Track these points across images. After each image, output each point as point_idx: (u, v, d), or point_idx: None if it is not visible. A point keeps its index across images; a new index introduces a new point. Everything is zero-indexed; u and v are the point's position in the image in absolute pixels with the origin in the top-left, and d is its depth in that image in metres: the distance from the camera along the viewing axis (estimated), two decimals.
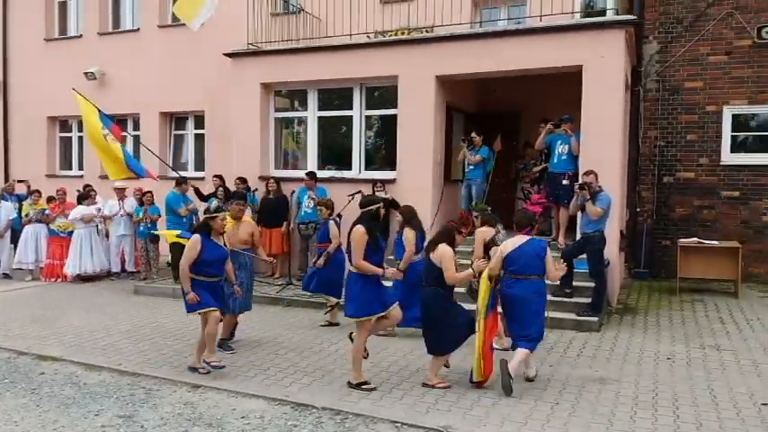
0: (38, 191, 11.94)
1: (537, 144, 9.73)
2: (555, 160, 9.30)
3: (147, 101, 13.99)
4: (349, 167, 10.85)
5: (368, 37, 10.52)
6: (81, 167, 15.35)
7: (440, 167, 10.22)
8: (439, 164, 10.13)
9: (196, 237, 6.02)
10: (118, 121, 14.61)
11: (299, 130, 11.67)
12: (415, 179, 9.90)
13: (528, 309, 5.67)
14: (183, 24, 13.65)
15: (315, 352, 6.85)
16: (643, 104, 11.09)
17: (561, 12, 9.04)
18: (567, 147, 9.10)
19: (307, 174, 10.41)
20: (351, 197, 9.84)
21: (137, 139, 13.87)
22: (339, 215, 9.82)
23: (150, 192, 11.23)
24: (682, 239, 10.03)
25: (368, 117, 10.88)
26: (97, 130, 9.91)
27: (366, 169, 10.78)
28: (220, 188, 10.60)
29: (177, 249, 10.48)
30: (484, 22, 11.31)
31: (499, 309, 5.85)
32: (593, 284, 7.90)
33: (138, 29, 14.46)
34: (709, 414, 5.05)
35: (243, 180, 10.71)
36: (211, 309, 5.94)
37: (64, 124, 15.85)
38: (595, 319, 7.68)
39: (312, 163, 11.08)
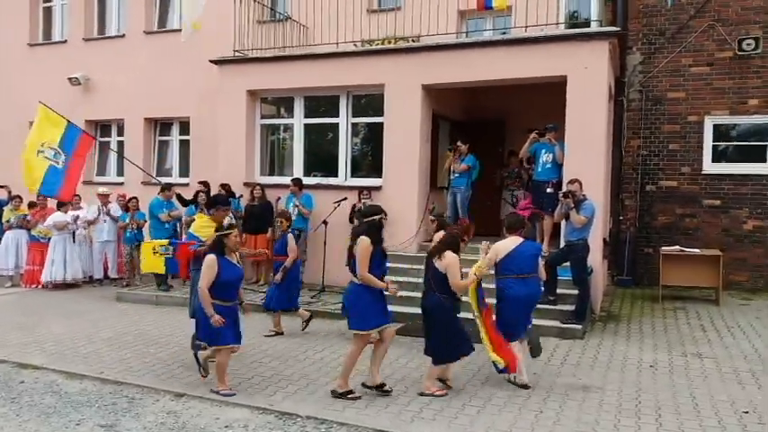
0: (19, 196, 11.81)
1: (521, 153, 9.80)
2: (539, 169, 9.36)
3: (131, 107, 13.92)
4: (335, 174, 10.85)
5: (355, 45, 10.56)
6: None
7: (426, 172, 10.23)
8: (424, 170, 10.14)
9: (212, 257, 5.61)
10: (102, 126, 14.63)
11: (286, 137, 11.66)
12: (401, 187, 9.93)
13: (533, 305, 6.09)
14: (170, 31, 13.75)
15: (299, 360, 6.82)
16: (626, 114, 11.21)
17: (546, 23, 9.14)
18: (551, 155, 9.16)
19: (292, 180, 10.41)
20: (337, 204, 9.88)
21: (120, 153, 13.82)
22: (325, 222, 9.85)
23: (135, 198, 11.18)
24: (664, 247, 10.14)
25: (354, 124, 10.90)
26: (35, 146, 9.35)
27: (352, 176, 10.79)
28: (201, 193, 10.56)
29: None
30: (470, 31, 11.42)
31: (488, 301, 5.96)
32: (576, 292, 7.95)
33: (124, 35, 14.39)
34: (691, 422, 5.10)
35: (225, 187, 10.67)
36: (229, 346, 5.69)
37: None
38: (579, 326, 7.73)
39: (298, 170, 11.08)
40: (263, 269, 10.63)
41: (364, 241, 5.48)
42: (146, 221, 10.83)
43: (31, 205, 11.66)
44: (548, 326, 7.77)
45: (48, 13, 15.74)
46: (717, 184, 10.79)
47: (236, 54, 11.18)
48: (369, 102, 10.76)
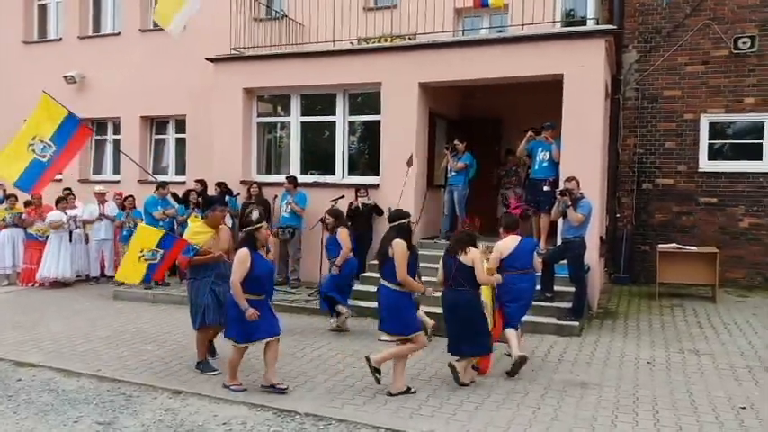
0: (14, 195, 11.76)
1: (518, 151, 9.81)
2: (536, 167, 9.38)
3: (127, 105, 13.88)
4: (332, 173, 10.85)
5: (351, 44, 10.56)
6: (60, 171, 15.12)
7: (422, 170, 10.24)
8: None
9: (245, 251, 5.54)
10: (98, 125, 14.57)
11: (282, 135, 11.65)
12: (398, 184, 9.92)
13: (532, 296, 6.58)
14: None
15: (296, 357, 6.82)
16: (622, 112, 11.25)
17: (542, 21, 9.16)
18: (548, 154, 9.18)
19: (287, 178, 10.40)
20: (334, 202, 9.87)
21: (116, 146, 13.79)
22: (322, 220, 9.82)
23: (132, 196, 11.16)
24: (661, 245, 10.17)
25: (351, 123, 10.90)
26: (26, 138, 9.19)
27: (349, 174, 10.79)
28: (192, 192, 10.53)
29: None
30: (466, 30, 11.43)
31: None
32: (573, 289, 7.97)
33: (120, 33, 14.35)
34: (688, 418, 5.12)
35: (222, 185, 10.67)
36: (264, 339, 5.64)
37: None
38: (576, 323, 7.75)
39: (295, 168, 11.07)
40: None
41: (401, 245, 5.49)
42: (141, 219, 10.80)
43: (27, 204, 11.62)
44: (545, 323, 7.81)
45: (42, 10, 15.68)
46: (713, 181, 10.83)
47: (233, 52, 11.16)
48: (365, 100, 10.76)
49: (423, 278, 6.61)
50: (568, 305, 7.97)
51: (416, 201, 10.01)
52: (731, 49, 10.57)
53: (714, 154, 10.94)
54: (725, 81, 10.71)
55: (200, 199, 10.23)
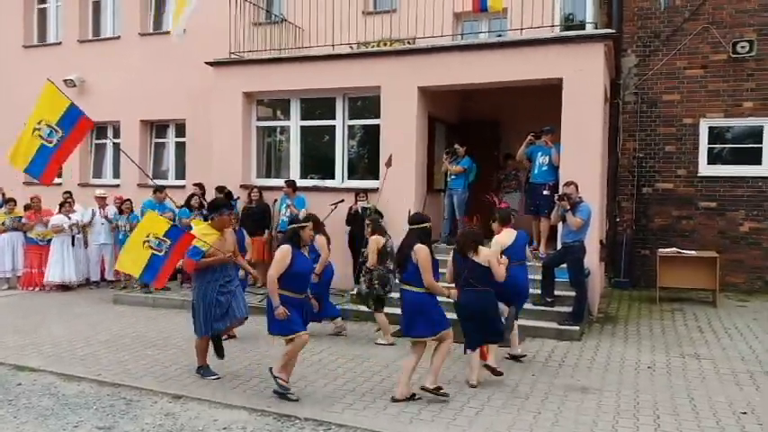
0: (13, 199, 11.77)
1: (518, 155, 9.82)
2: (536, 171, 9.39)
3: (127, 108, 13.88)
4: (332, 176, 10.85)
5: (350, 47, 10.57)
6: (60, 175, 15.11)
7: (422, 174, 10.24)
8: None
9: (286, 247, 5.56)
10: (98, 128, 14.54)
11: (282, 139, 11.66)
12: (398, 188, 9.94)
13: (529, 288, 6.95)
14: (165, 33, 13.71)
15: (297, 362, 6.78)
16: (622, 117, 11.26)
17: (541, 25, 9.17)
18: (547, 158, 9.20)
19: (286, 182, 10.41)
20: (334, 206, 9.87)
21: (116, 146, 13.79)
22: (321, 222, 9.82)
23: (129, 200, 11.17)
24: (661, 249, 10.17)
25: (350, 126, 10.90)
26: (32, 123, 9.40)
27: (349, 178, 10.80)
28: (195, 197, 10.52)
29: None
30: (465, 34, 11.43)
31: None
32: (573, 294, 7.97)
33: (119, 36, 14.35)
34: (689, 423, 5.11)
35: (222, 189, 10.66)
36: (301, 333, 5.57)
37: None
38: (576, 328, 7.74)
39: (295, 172, 11.07)
40: (260, 271, 10.60)
41: (425, 250, 5.50)
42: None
43: (27, 207, 11.63)
44: (545, 327, 7.80)
45: (42, 14, 15.69)
46: (712, 186, 10.84)
47: (232, 56, 11.17)
48: (365, 104, 10.77)
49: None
50: (569, 309, 7.97)
51: (416, 205, 10.01)
52: (730, 54, 10.59)
53: (714, 158, 10.95)
54: (724, 85, 10.72)
55: (202, 202, 10.22)
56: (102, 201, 11.43)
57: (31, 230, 11.32)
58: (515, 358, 6.74)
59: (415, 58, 9.88)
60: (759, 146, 10.66)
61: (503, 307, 6.34)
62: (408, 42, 10.28)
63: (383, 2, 12.12)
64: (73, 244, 11.16)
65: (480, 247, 5.87)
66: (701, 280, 9.78)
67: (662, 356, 6.98)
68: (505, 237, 6.59)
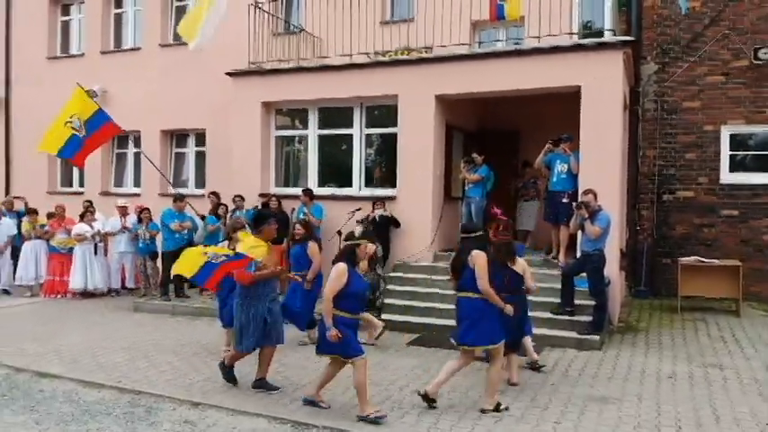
0: (35, 210, 11.94)
1: (536, 163, 9.77)
2: (554, 179, 9.33)
3: (148, 119, 14.04)
4: (349, 185, 10.89)
5: (368, 57, 10.62)
6: (82, 184, 15.38)
7: (439, 182, 10.26)
8: (438, 177, 10.17)
9: (343, 266, 5.31)
10: (119, 138, 14.76)
11: (300, 148, 11.73)
12: (415, 197, 9.94)
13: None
14: (185, 44, 13.86)
15: (314, 370, 6.76)
16: (642, 124, 11.17)
17: (559, 33, 9.13)
18: (566, 166, 9.14)
19: (303, 191, 10.47)
20: (351, 214, 9.91)
21: (142, 156, 13.95)
22: (339, 232, 9.88)
23: (148, 209, 11.27)
24: (682, 258, 10.04)
25: (368, 135, 10.94)
26: (65, 118, 10.11)
27: (366, 187, 10.83)
28: (221, 206, 10.63)
29: (169, 261, 10.56)
30: (482, 42, 11.43)
31: None
32: (593, 303, 7.89)
33: (140, 48, 14.56)
34: None
35: (241, 197, 10.79)
36: (361, 356, 5.30)
37: None
38: (597, 337, 7.66)
39: (313, 181, 11.13)
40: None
41: (483, 256, 5.51)
42: (158, 232, 10.91)
43: (50, 216, 11.81)
44: (565, 337, 7.74)
45: (65, 26, 16.00)
46: (735, 193, 10.70)
47: (251, 66, 11.28)
48: (382, 113, 10.80)
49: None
50: (589, 319, 7.89)
51: (434, 213, 10.01)
52: (751, 60, 10.47)
53: (735, 166, 10.80)
54: (745, 92, 10.60)
55: (234, 212, 10.33)
56: (123, 210, 11.57)
57: (54, 239, 11.48)
58: (534, 367, 6.69)
59: (432, 67, 9.90)
60: None
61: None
62: (425, 51, 10.31)
63: (400, 11, 12.18)
64: (96, 252, 11.32)
65: (517, 257, 6.18)
66: (724, 289, 9.64)
67: (684, 367, 6.88)
68: None
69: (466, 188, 10.27)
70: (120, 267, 11.71)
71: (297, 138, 11.75)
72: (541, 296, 7.94)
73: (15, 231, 11.85)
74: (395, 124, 10.26)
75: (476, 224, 6.11)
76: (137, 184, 14.68)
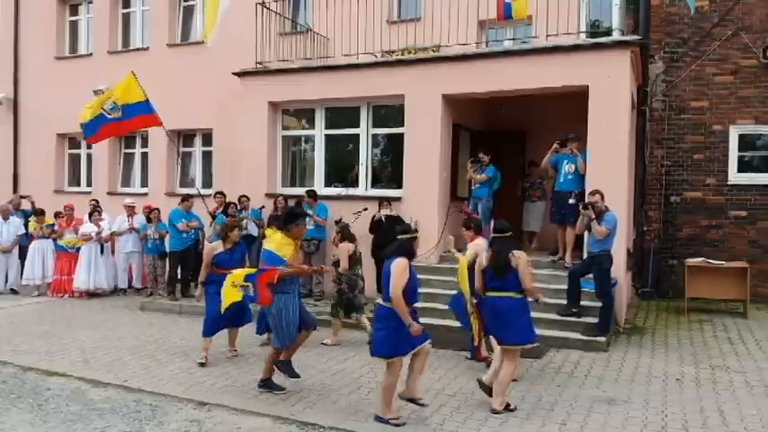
0: (42, 210, 11.99)
1: (543, 163, 9.74)
2: (561, 179, 9.30)
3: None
4: (356, 185, 10.89)
5: (375, 56, 10.61)
6: (89, 184, 15.46)
7: (446, 182, 10.26)
8: (445, 178, 10.18)
9: (405, 261, 5.15)
10: (126, 138, 14.83)
11: (307, 148, 11.74)
12: (422, 197, 9.93)
13: None
14: (192, 43, 13.96)
15: (320, 371, 6.81)
16: (649, 124, 11.12)
17: (567, 32, 9.09)
18: (573, 166, 9.11)
19: (306, 192, 10.48)
20: (357, 214, 9.90)
21: (144, 158, 13.99)
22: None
23: (158, 209, 11.32)
24: (689, 259, 9.99)
25: (374, 135, 10.94)
26: (104, 100, 10.56)
27: (373, 187, 10.82)
28: (232, 205, 10.65)
29: (176, 261, 10.59)
30: (490, 41, 11.40)
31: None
32: (600, 304, 7.86)
33: (148, 47, 14.62)
34: None
35: (246, 198, 10.82)
36: (423, 345, 5.22)
37: (73, 141, 15.98)
38: (603, 338, 7.64)
39: (319, 181, 11.14)
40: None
41: (525, 256, 5.58)
42: (167, 232, 10.95)
43: (57, 215, 11.87)
44: (571, 338, 7.71)
45: (74, 26, 16.09)
46: (743, 194, 10.64)
47: (258, 66, 11.30)
48: (389, 112, 10.79)
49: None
50: (595, 320, 7.86)
51: (440, 213, 10.00)
52: (760, 59, 10.41)
53: (744, 166, 10.74)
54: (754, 91, 10.54)
55: (239, 212, 10.36)
56: (131, 210, 11.62)
57: (61, 237, 11.53)
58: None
59: (439, 67, 9.89)
60: None
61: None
62: (432, 50, 10.29)
63: (407, 11, 12.17)
64: (102, 252, 11.36)
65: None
66: (731, 290, 9.58)
67: (690, 368, 6.85)
68: (482, 244, 6.54)
69: (472, 188, 10.25)
70: (128, 267, 11.75)
71: (303, 138, 11.77)
72: (547, 297, 7.89)
73: (23, 231, 11.91)
74: (402, 124, 10.25)
75: (506, 223, 5.86)
76: (144, 183, 14.73)
